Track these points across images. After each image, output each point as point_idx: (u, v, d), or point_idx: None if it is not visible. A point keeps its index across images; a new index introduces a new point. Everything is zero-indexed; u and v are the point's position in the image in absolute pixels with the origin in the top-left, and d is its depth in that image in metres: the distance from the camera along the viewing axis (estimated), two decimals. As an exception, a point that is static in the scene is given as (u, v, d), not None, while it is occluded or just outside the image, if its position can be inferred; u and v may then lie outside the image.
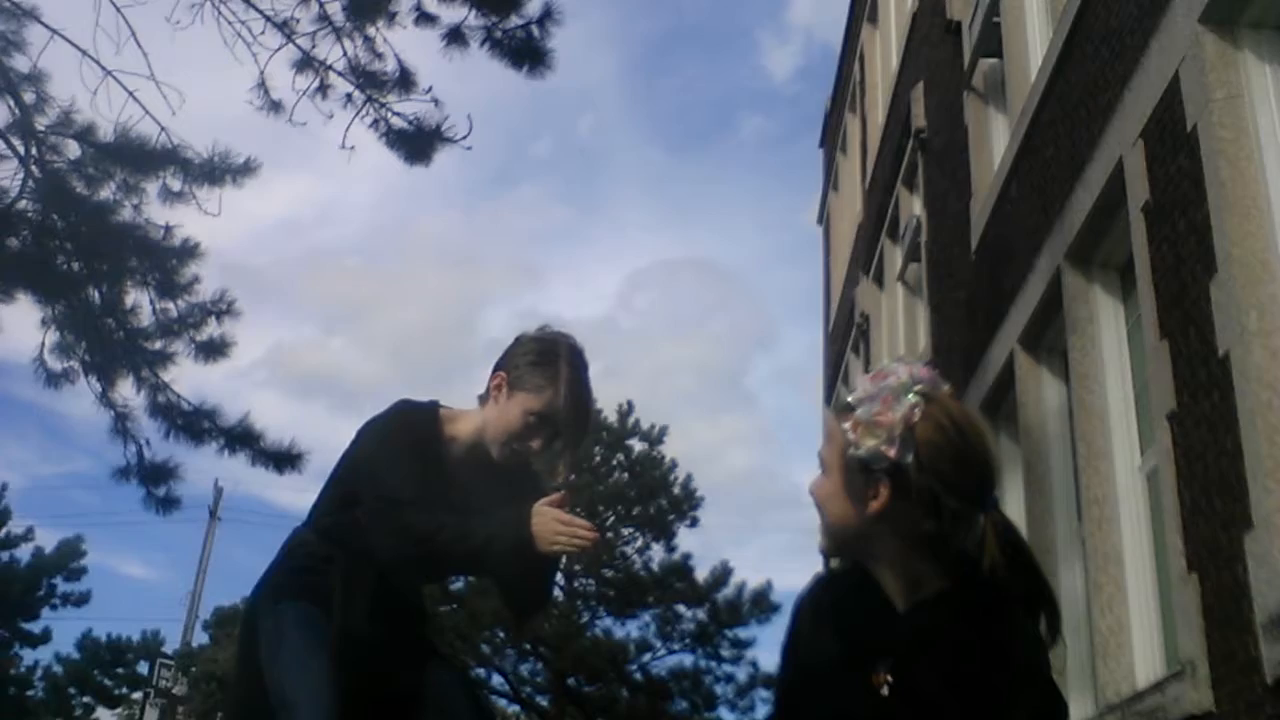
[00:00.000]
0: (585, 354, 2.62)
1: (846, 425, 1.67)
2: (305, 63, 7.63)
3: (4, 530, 31.21)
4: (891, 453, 1.62)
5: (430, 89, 7.66)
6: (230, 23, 7.36)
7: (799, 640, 1.83)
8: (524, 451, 2.57)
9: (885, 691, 1.63)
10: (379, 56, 7.70)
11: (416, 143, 7.67)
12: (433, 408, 2.66)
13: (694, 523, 25.36)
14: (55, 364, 8.17)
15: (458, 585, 22.44)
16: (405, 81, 7.69)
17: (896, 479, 1.63)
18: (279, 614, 2.53)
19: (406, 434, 2.56)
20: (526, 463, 2.62)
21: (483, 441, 2.61)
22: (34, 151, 7.51)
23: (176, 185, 7.74)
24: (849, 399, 1.70)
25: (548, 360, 2.56)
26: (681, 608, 24.60)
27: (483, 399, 2.65)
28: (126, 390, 8.29)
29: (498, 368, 2.62)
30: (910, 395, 1.65)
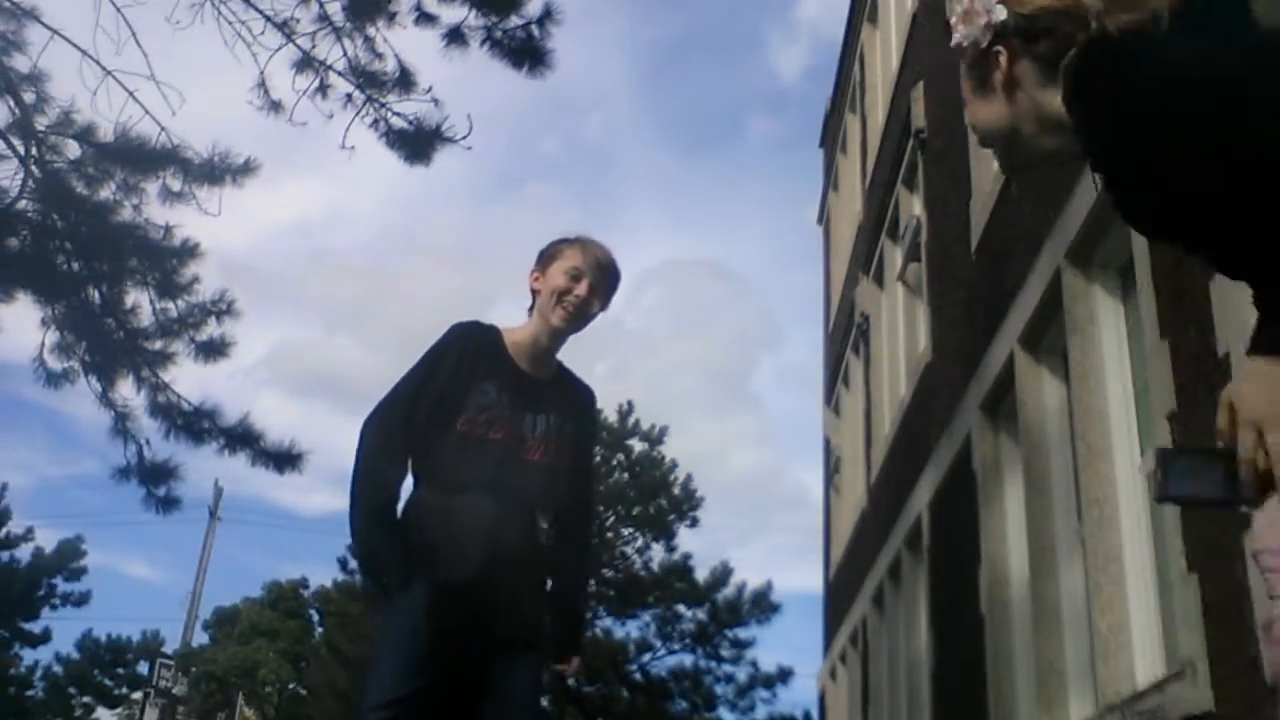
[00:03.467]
0: None
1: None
2: (305, 63, 7.63)
3: (4, 530, 31.21)
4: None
5: (430, 89, 7.67)
6: (230, 23, 7.36)
7: None
8: (576, 302, 2.89)
9: None
10: (379, 56, 7.70)
11: (416, 143, 7.67)
12: (492, 325, 2.96)
13: (694, 523, 25.37)
14: (55, 364, 8.18)
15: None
16: (405, 81, 7.69)
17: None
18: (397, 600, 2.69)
19: (464, 342, 2.84)
20: (583, 315, 2.92)
21: (540, 336, 2.91)
22: (34, 151, 7.51)
23: (176, 185, 7.74)
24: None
25: (565, 238, 2.99)
26: (681, 608, 24.61)
27: (531, 308, 2.97)
28: (126, 390, 8.29)
29: (531, 279, 2.97)
30: None
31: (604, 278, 2.93)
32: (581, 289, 2.89)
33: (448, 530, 2.67)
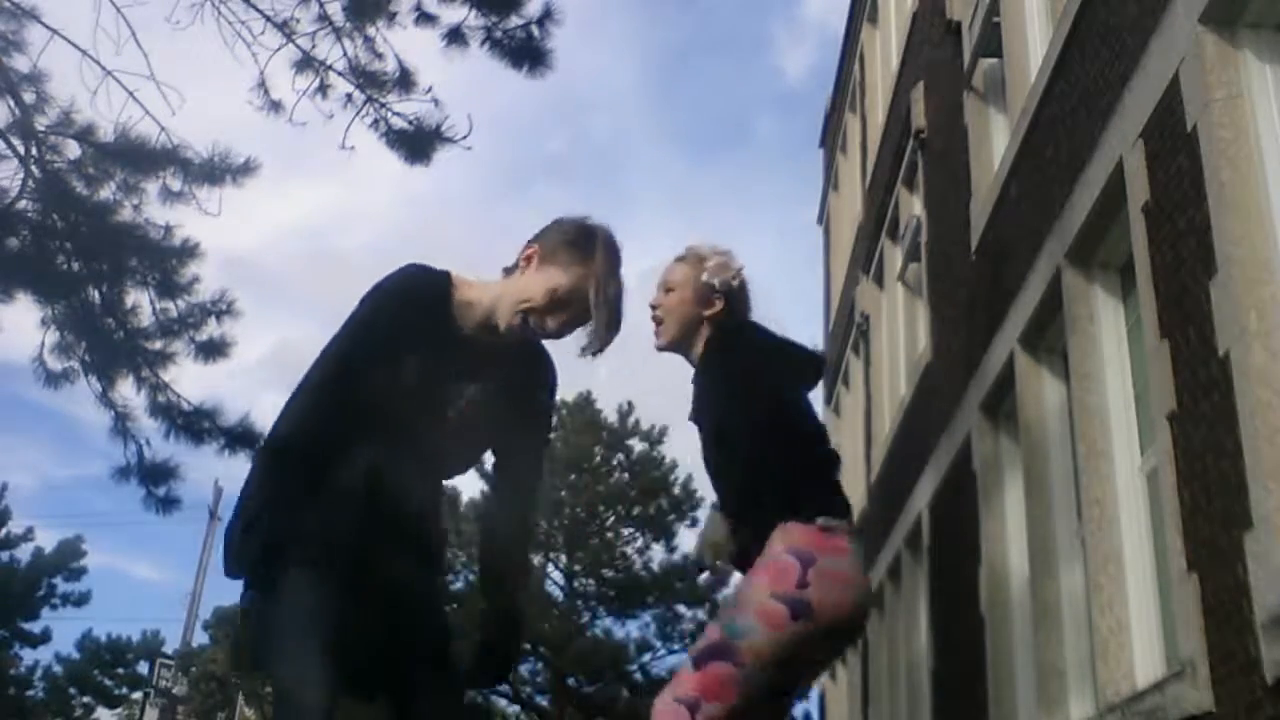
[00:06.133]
0: (621, 250, 2.54)
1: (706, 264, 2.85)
2: (305, 63, 7.63)
3: (4, 530, 31.21)
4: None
5: (430, 89, 7.67)
6: (230, 23, 7.37)
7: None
8: (536, 327, 2.46)
9: None
10: (379, 56, 7.71)
11: (416, 143, 7.68)
12: (444, 274, 2.51)
13: (694, 523, 25.41)
14: (55, 364, 8.18)
15: (458, 586, 22.43)
16: (405, 81, 7.69)
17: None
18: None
19: (407, 306, 2.42)
20: (535, 338, 2.51)
21: (494, 311, 2.48)
22: (34, 151, 7.51)
23: (176, 185, 7.75)
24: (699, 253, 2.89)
25: (584, 243, 2.48)
26: (681, 608, 24.63)
27: (509, 270, 2.56)
28: (126, 390, 8.29)
29: (532, 242, 2.54)
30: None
31: (601, 318, 2.47)
32: (550, 322, 2.47)
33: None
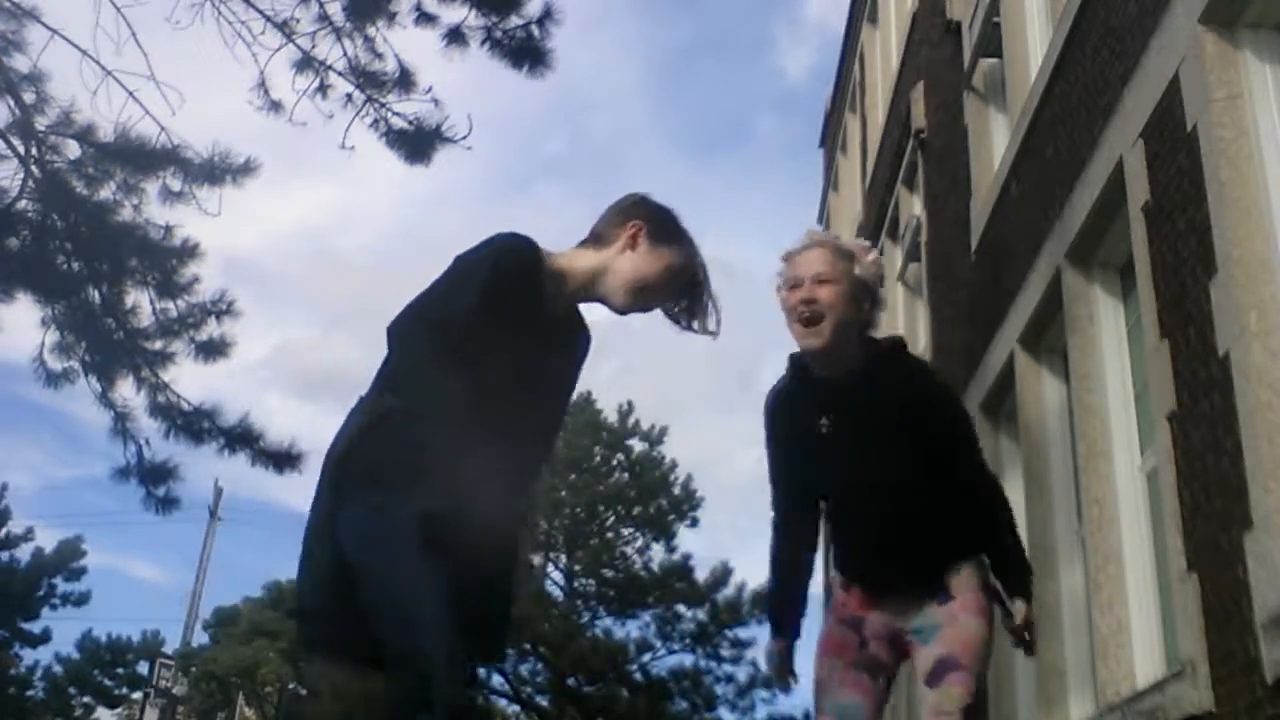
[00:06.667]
0: None
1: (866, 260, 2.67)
2: (305, 63, 7.64)
3: (4, 530, 31.20)
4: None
5: (430, 89, 7.68)
6: (230, 23, 7.38)
7: (776, 431, 2.84)
8: (651, 305, 2.45)
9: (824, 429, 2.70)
10: (379, 56, 7.72)
11: (416, 142, 7.69)
12: (534, 242, 2.39)
13: (694, 523, 25.42)
14: (55, 364, 8.19)
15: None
16: (405, 81, 7.70)
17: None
18: (385, 514, 2.04)
19: (516, 272, 2.29)
20: (629, 313, 2.47)
21: (594, 284, 2.42)
22: (34, 151, 7.52)
23: (176, 185, 7.76)
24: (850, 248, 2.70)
25: (680, 223, 2.49)
26: (681, 608, 24.61)
27: (597, 242, 2.45)
28: (126, 390, 8.30)
29: (631, 217, 2.45)
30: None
31: (708, 287, 2.46)
32: (656, 302, 2.45)
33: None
